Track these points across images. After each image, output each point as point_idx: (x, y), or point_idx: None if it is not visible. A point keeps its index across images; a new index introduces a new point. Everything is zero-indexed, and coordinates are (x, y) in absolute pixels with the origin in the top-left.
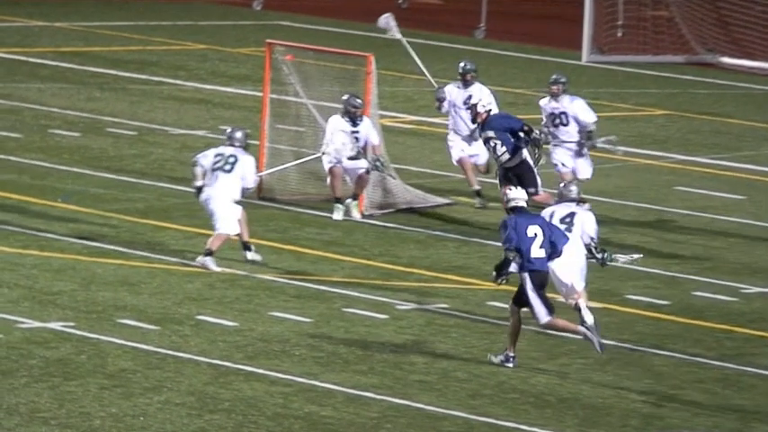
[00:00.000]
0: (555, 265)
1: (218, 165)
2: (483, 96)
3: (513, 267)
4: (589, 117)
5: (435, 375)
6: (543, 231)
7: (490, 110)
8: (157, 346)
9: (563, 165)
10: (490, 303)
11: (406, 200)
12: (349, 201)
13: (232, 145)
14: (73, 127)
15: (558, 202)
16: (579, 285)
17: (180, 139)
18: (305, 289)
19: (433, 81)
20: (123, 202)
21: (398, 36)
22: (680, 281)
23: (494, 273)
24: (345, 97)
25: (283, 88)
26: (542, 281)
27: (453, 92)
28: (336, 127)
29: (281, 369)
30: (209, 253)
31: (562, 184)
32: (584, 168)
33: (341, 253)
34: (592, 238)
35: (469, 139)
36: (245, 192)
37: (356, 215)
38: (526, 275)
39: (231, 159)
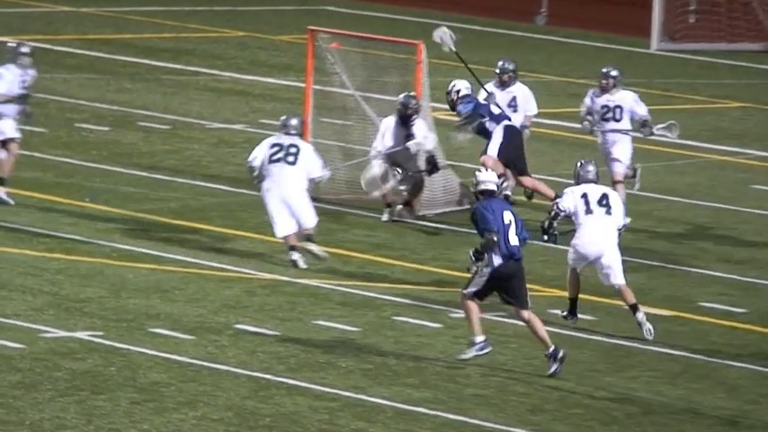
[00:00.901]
0: (601, 248)
1: (279, 156)
2: (528, 100)
3: (496, 258)
4: (643, 110)
5: (493, 389)
6: (515, 218)
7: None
8: (192, 357)
9: (618, 161)
10: (551, 311)
11: (461, 199)
12: (399, 207)
13: (288, 133)
14: (102, 121)
15: (577, 184)
16: (621, 278)
17: (217, 134)
18: (352, 296)
19: (486, 90)
20: (156, 201)
21: (454, 50)
22: (757, 287)
23: (471, 257)
24: (401, 97)
25: (328, 79)
26: (513, 271)
27: (494, 93)
28: (389, 127)
29: (327, 382)
30: (292, 248)
31: (579, 164)
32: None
33: (391, 257)
34: (624, 225)
35: None
36: (311, 183)
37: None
38: (491, 269)
39: (293, 150)
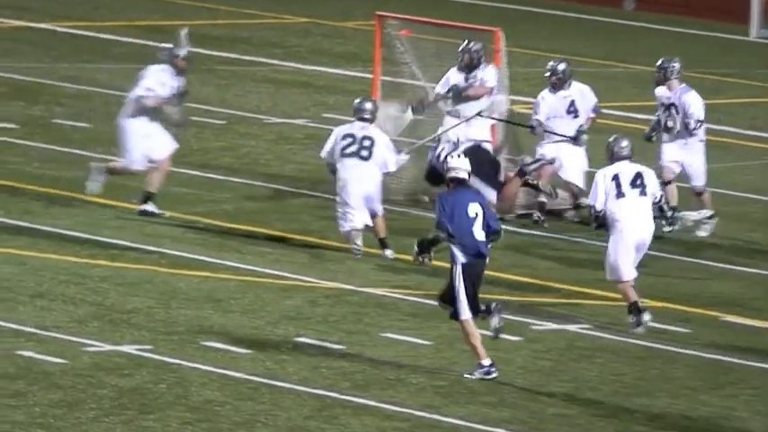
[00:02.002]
0: (627, 229)
1: (351, 150)
2: (586, 99)
3: (461, 257)
4: (701, 112)
5: (577, 408)
6: (483, 210)
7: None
8: (249, 373)
9: (674, 163)
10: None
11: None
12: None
13: (362, 119)
14: None
15: (611, 162)
16: (633, 272)
17: (276, 129)
18: (423, 306)
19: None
20: (209, 203)
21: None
22: None
23: (415, 248)
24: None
25: (397, 69)
26: (480, 271)
27: (548, 99)
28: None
29: (396, 401)
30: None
31: (612, 139)
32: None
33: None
34: (662, 196)
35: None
36: (385, 177)
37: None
38: (460, 266)
39: (366, 143)
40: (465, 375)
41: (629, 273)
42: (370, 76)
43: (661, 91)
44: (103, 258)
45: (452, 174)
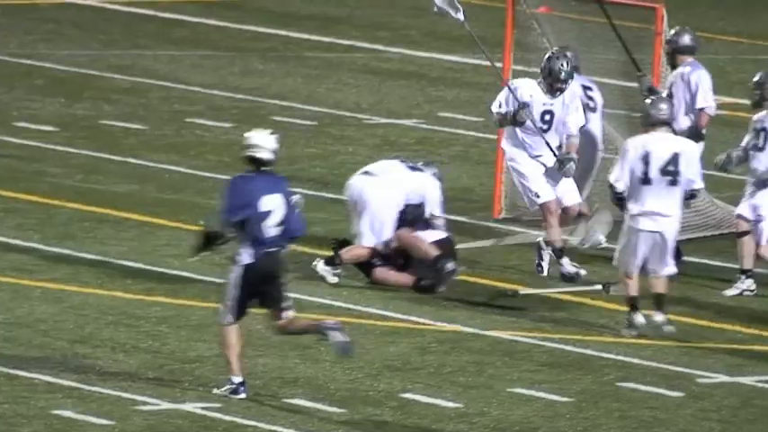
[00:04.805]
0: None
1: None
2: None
3: (245, 255)
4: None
5: None
6: (289, 206)
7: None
8: None
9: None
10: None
11: (714, 220)
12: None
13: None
14: (221, 114)
15: (644, 128)
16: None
17: (380, 132)
18: (562, 353)
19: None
20: None
21: (461, 19)
22: None
23: (195, 246)
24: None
25: (534, 56)
26: (264, 273)
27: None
28: None
29: None
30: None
31: (650, 101)
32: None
33: (613, 299)
34: (693, 182)
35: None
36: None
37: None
38: (242, 266)
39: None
40: (214, 390)
41: (633, 269)
42: (498, 65)
43: (761, 114)
44: (161, 294)
45: (249, 153)
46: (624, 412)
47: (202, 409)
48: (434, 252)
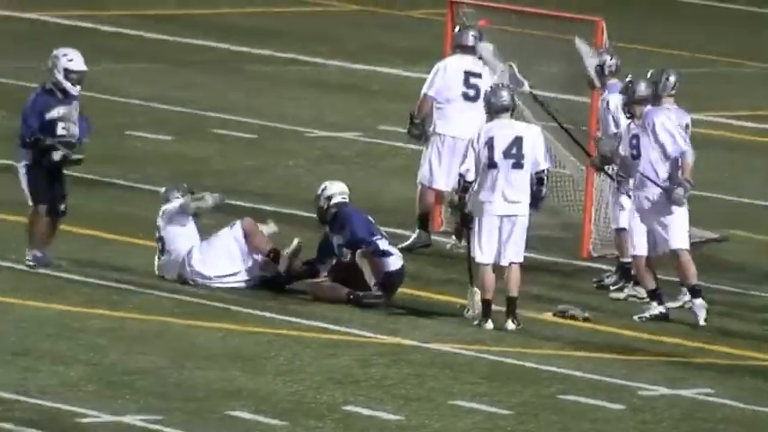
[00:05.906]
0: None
1: None
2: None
3: None
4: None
5: None
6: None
7: None
8: None
9: None
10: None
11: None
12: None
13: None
14: (162, 127)
15: (488, 115)
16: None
17: (320, 145)
18: (502, 366)
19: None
20: None
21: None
22: None
23: None
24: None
25: None
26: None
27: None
28: None
29: None
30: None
31: (489, 89)
32: None
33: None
34: (539, 164)
35: None
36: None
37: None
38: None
39: None
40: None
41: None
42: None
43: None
44: (103, 306)
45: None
46: (565, 425)
47: (142, 421)
48: (373, 282)
